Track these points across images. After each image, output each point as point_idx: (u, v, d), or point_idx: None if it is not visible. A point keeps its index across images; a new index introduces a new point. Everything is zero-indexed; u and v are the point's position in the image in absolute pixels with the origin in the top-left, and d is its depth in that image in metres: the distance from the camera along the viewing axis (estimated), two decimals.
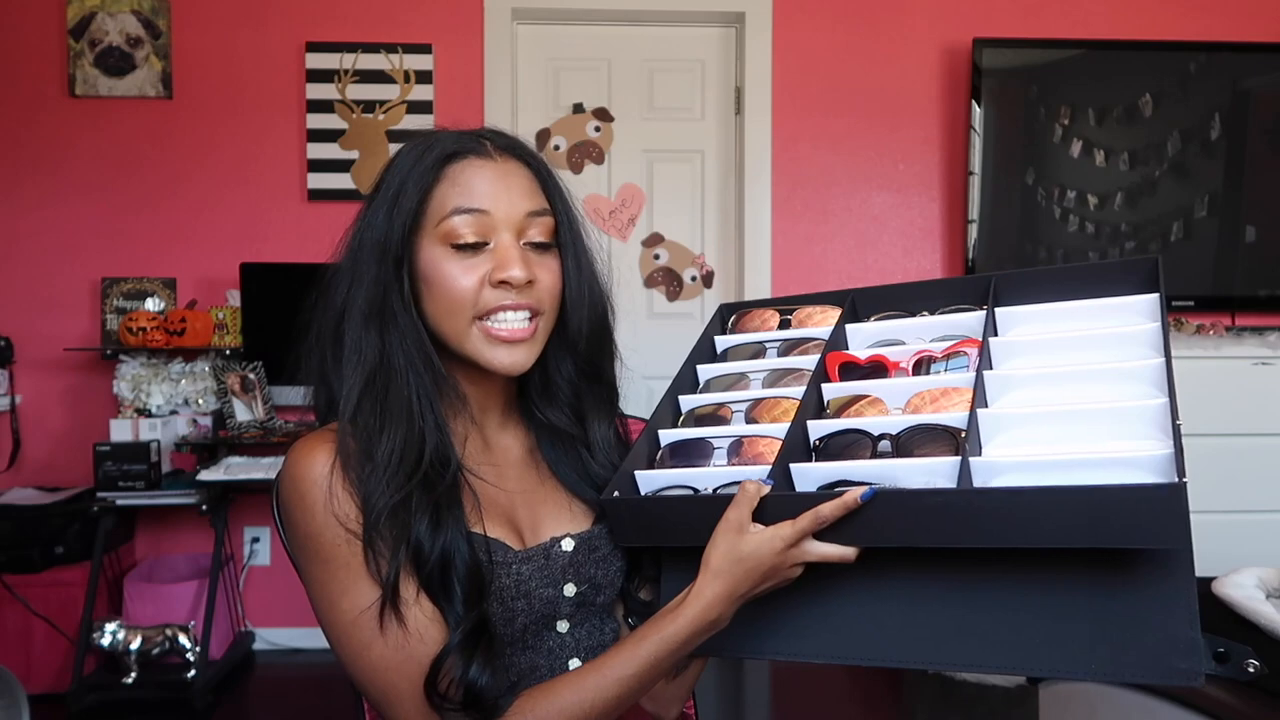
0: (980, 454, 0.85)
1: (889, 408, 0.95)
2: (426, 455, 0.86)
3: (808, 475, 0.89)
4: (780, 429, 0.94)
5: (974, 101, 3.01)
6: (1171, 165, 3.01)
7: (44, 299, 3.04)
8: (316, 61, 3.05)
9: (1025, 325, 1.02)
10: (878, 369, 1.01)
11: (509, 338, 0.90)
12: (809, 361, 1.04)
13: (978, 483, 0.80)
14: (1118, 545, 0.73)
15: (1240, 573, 1.84)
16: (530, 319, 0.91)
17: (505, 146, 0.92)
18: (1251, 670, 0.72)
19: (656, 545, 0.93)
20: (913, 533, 0.78)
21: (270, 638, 3.06)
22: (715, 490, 0.92)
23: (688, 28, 3.19)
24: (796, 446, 0.91)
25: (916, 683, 2.76)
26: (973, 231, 3.03)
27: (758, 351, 1.12)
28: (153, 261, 3.06)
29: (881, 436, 0.89)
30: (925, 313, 1.09)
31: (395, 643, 0.82)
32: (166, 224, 3.06)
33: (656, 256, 3.22)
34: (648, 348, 3.19)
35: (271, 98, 3.06)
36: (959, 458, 0.81)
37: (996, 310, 1.02)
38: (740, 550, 0.82)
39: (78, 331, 3.04)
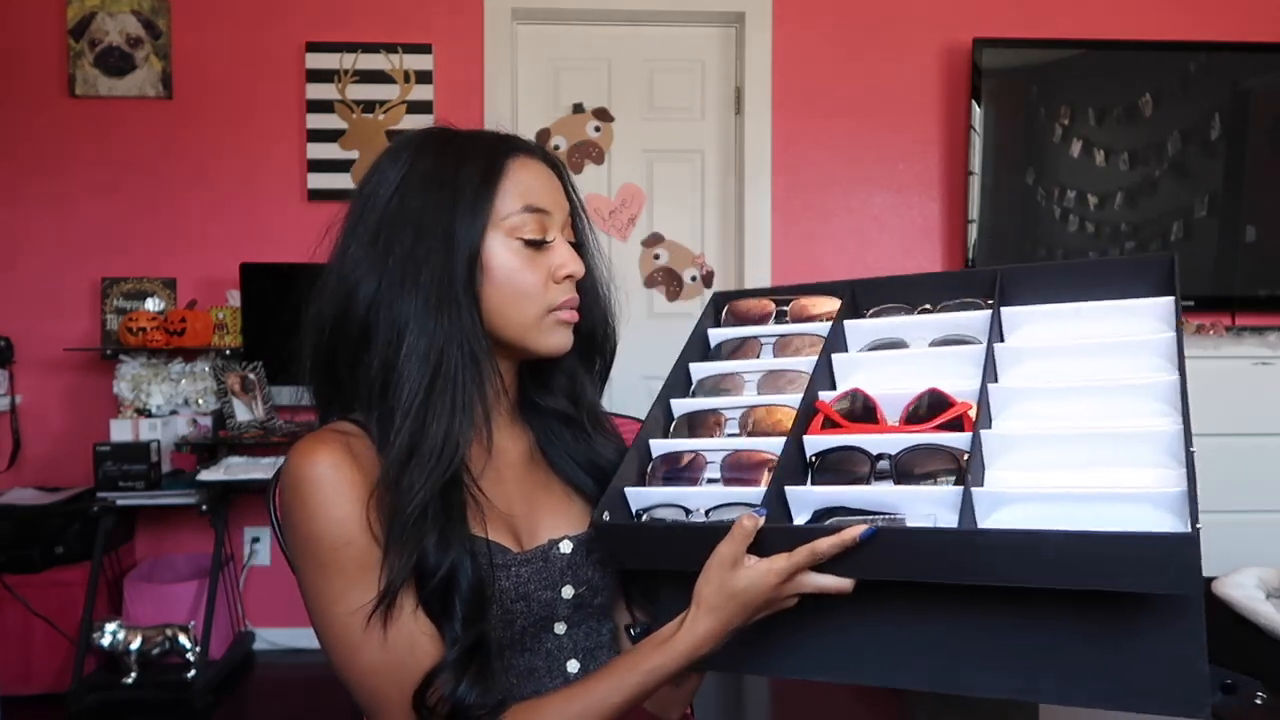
0: (983, 479, 0.82)
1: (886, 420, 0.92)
2: (459, 452, 0.86)
3: (803, 500, 0.87)
4: (775, 443, 0.91)
5: (974, 101, 3.01)
6: (1171, 165, 3.01)
7: (44, 299, 3.04)
8: (316, 61, 3.05)
9: (1032, 327, 0.98)
10: (867, 413, 0.95)
11: (571, 321, 0.95)
12: (804, 363, 1.01)
13: (980, 514, 0.78)
14: (1126, 589, 0.72)
15: (1240, 573, 1.84)
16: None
17: (535, 149, 0.96)
18: (1259, 702, 0.72)
19: (651, 569, 0.91)
20: (913, 569, 0.76)
21: (270, 638, 3.06)
22: (708, 512, 0.90)
23: (688, 28, 3.19)
24: (792, 463, 0.89)
25: None
26: (973, 231, 3.03)
27: (752, 346, 1.09)
28: (153, 261, 3.05)
29: (880, 456, 0.87)
30: (928, 305, 1.05)
31: (389, 650, 0.83)
32: (166, 224, 3.06)
33: (656, 256, 3.22)
34: (648, 348, 3.19)
35: (271, 98, 3.06)
36: (960, 488, 0.79)
37: (1003, 310, 0.98)
38: (733, 585, 0.81)
39: (78, 331, 3.04)
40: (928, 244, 3.18)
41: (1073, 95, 3.01)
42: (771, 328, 1.10)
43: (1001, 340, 0.97)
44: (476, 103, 3.08)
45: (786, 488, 0.86)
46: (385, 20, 3.07)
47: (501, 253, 0.90)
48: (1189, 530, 0.68)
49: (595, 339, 1.02)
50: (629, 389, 3.17)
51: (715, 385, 1.06)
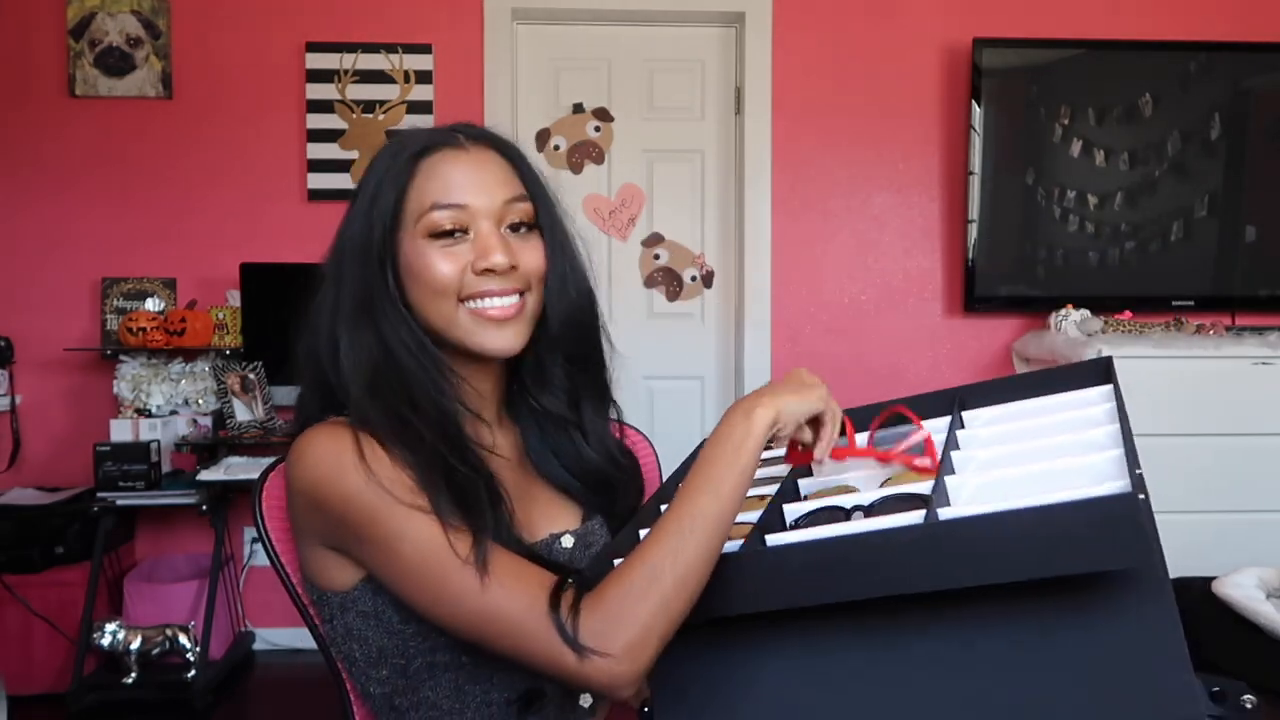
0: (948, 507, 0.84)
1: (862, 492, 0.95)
2: (459, 424, 0.91)
3: (784, 541, 0.86)
4: (754, 515, 0.92)
5: (974, 101, 3.01)
6: (1171, 165, 3.01)
7: (44, 299, 3.04)
8: (316, 61, 3.05)
9: (987, 422, 1.05)
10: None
11: (498, 316, 0.91)
12: (775, 470, 1.04)
13: None
14: (1076, 569, 0.69)
15: (1240, 573, 1.84)
16: (519, 297, 0.92)
17: (477, 136, 0.94)
18: (1249, 706, 0.70)
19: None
20: (874, 579, 0.74)
21: (270, 638, 3.06)
22: None
23: (688, 28, 3.19)
24: (774, 525, 0.89)
25: None
26: (973, 231, 3.04)
27: None
28: (153, 261, 3.05)
29: (855, 508, 0.88)
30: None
31: (510, 568, 0.81)
32: (166, 224, 3.06)
33: (656, 256, 3.22)
34: (648, 348, 3.20)
35: (271, 98, 3.06)
36: (924, 511, 0.80)
37: (964, 414, 1.04)
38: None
39: (78, 331, 3.04)
40: (928, 244, 3.18)
41: (1073, 95, 3.01)
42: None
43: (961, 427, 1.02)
44: (476, 103, 3.08)
45: (767, 536, 0.85)
46: (385, 20, 3.07)
47: (416, 252, 0.90)
48: (1128, 491, 0.67)
49: (565, 336, 0.97)
50: (629, 389, 3.15)
51: None
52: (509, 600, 0.78)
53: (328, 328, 0.92)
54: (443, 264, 0.90)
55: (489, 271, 0.89)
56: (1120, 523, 0.67)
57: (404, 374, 0.90)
